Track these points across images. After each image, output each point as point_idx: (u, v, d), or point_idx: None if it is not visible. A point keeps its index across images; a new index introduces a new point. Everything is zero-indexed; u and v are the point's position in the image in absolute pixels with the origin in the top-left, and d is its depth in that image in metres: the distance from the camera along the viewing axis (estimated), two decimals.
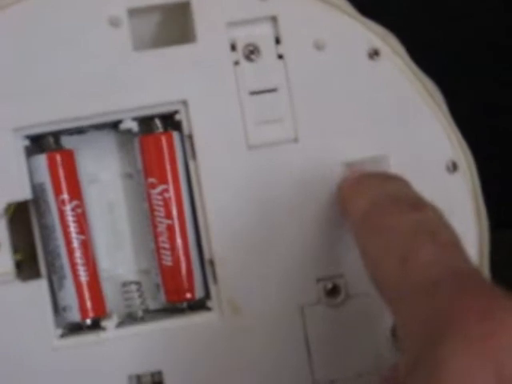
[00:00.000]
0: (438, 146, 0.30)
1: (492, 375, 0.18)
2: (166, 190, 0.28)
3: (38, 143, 0.28)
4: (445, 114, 0.30)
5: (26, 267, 0.28)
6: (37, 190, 0.28)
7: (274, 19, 0.29)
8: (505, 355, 0.18)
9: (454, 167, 0.29)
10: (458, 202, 0.30)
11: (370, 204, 0.25)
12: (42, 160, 0.28)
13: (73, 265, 0.28)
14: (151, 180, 0.28)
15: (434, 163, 0.29)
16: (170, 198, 0.28)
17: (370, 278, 0.24)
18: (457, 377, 0.18)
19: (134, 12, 0.28)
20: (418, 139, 0.29)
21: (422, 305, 0.20)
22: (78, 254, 0.28)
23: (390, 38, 0.30)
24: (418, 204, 0.24)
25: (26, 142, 0.28)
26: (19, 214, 0.28)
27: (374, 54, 0.29)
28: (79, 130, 0.28)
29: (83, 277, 0.28)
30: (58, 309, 0.28)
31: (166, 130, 0.28)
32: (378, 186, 0.26)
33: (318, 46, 0.29)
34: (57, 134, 0.28)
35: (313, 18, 0.29)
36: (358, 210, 0.25)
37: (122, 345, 0.28)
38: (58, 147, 0.28)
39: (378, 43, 0.29)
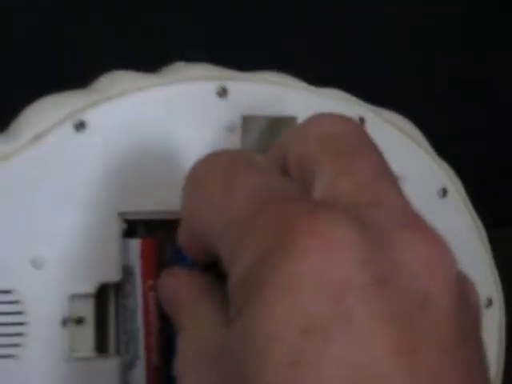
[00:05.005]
0: (480, 283, 0.33)
1: (317, 284, 0.19)
2: None
3: (131, 227, 0.29)
4: (488, 254, 0.33)
5: (96, 340, 0.29)
6: (124, 271, 0.29)
7: None
8: (329, 267, 0.19)
9: (489, 303, 0.33)
10: (486, 335, 0.33)
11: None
12: (135, 244, 0.29)
13: (148, 348, 0.29)
14: None
15: None
16: None
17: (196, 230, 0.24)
18: (286, 288, 0.19)
19: (246, 119, 0.29)
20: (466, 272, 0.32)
21: (250, 230, 0.21)
22: (154, 338, 0.29)
23: (454, 176, 0.33)
24: None
25: (125, 226, 0.28)
26: None
27: (443, 193, 0.32)
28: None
29: (155, 361, 0.29)
30: None
31: None
32: None
33: (399, 178, 0.31)
34: (152, 221, 0.29)
35: (398, 151, 0.31)
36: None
37: None
38: (151, 233, 0.29)
39: (447, 182, 0.32)
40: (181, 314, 0.25)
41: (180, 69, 0.29)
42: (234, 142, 0.29)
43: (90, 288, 0.28)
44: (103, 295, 0.29)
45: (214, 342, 0.22)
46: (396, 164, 0.31)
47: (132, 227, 0.29)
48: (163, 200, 0.28)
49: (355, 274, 0.19)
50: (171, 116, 0.28)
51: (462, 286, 0.21)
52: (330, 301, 0.19)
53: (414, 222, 0.22)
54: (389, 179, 0.23)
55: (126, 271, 0.29)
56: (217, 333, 0.22)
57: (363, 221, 0.20)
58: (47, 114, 0.27)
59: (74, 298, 0.28)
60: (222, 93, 0.29)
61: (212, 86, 0.29)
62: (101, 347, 0.29)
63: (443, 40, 0.56)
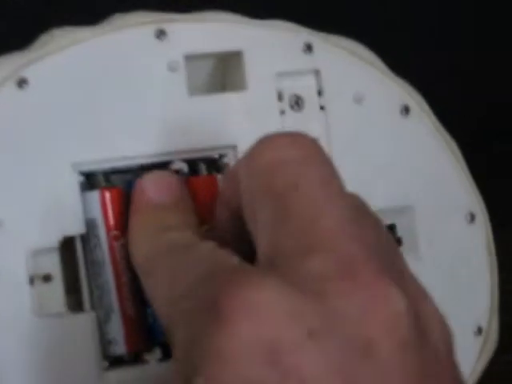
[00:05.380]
0: (458, 198, 0.32)
1: (250, 350, 0.19)
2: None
3: (91, 180, 0.29)
4: (463, 168, 0.32)
5: (70, 299, 0.29)
6: (88, 225, 0.28)
7: (317, 72, 0.30)
8: (258, 330, 0.19)
9: (471, 218, 0.32)
10: (474, 250, 0.32)
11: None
12: (94, 196, 0.28)
13: (121, 299, 0.28)
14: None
15: (455, 214, 0.32)
16: None
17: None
18: (221, 360, 0.19)
19: (190, 58, 0.29)
20: (441, 191, 0.32)
21: (182, 310, 0.22)
22: (126, 288, 0.28)
23: (416, 95, 0.32)
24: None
25: (81, 178, 0.28)
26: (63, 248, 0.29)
27: (405, 110, 0.31)
28: (131, 169, 0.29)
29: (130, 311, 0.29)
30: (101, 341, 0.29)
31: (209, 172, 0.30)
32: None
33: (357, 100, 0.31)
34: (109, 172, 0.29)
35: (352, 73, 0.31)
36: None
37: (166, 379, 0.28)
38: (110, 184, 0.29)
39: (408, 100, 0.32)
40: None
41: (116, 19, 0.29)
42: (179, 81, 0.29)
43: (53, 242, 0.28)
44: (72, 252, 0.29)
45: None
46: (351, 86, 0.31)
47: (92, 181, 0.29)
48: (114, 148, 0.28)
49: (286, 330, 0.19)
50: (112, 63, 0.28)
51: (416, 321, 0.20)
52: (266, 363, 0.19)
53: (351, 266, 0.20)
54: (330, 215, 0.21)
55: (90, 225, 0.29)
56: None
57: (296, 273, 0.20)
58: None
59: (39, 254, 0.28)
60: (161, 35, 0.29)
61: (149, 30, 0.29)
62: (75, 303, 0.29)
63: (443, 40, 0.56)
